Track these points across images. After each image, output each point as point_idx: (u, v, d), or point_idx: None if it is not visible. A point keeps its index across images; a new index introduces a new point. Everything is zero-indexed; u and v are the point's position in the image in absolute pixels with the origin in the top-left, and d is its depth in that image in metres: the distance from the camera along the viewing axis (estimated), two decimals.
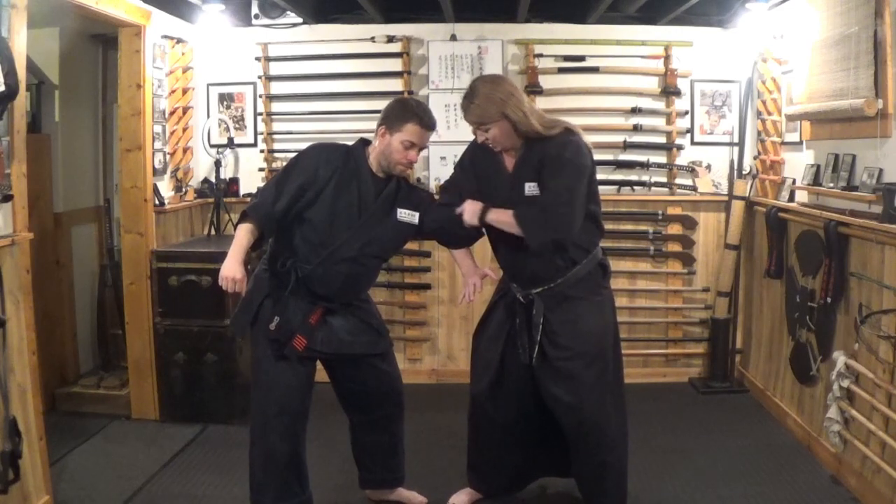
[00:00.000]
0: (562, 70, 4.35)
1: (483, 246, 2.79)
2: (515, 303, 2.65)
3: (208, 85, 4.45)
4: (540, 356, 2.59)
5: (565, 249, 2.55)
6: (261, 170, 4.46)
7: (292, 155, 4.48)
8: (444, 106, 4.35)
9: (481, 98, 2.46)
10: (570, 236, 2.50)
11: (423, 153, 4.40)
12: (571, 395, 2.56)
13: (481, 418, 2.78)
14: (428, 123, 2.54)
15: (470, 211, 2.55)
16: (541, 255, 2.53)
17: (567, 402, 2.57)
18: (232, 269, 2.41)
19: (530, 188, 2.52)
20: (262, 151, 4.46)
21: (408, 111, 2.52)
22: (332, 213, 2.51)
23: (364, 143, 2.65)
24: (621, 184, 4.36)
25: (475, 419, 2.82)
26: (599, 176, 4.29)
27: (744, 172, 4.24)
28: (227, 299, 3.70)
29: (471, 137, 4.27)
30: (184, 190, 4.19)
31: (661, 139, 4.37)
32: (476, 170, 2.67)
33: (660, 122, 4.37)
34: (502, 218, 2.50)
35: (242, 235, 2.49)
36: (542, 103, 4.33)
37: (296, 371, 2.57)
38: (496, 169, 2.60)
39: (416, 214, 2.63)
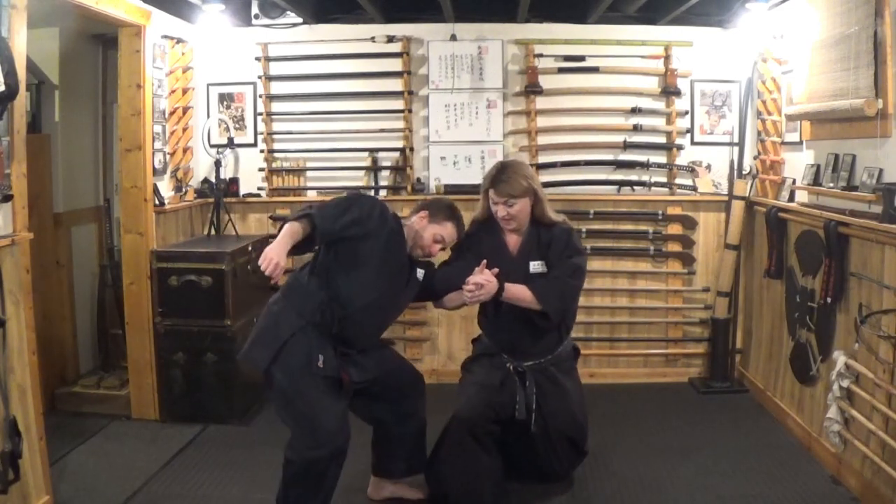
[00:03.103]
0: (562, 70, 4.34)
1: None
2: (506, 368, 2.84)
3: (208, 85, 4.45)
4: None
5: (560, 325, 2.87)
6: (261, 170, 4.46)
7: (292, 154, 4.54)
8: (444, 106, 4.36)
9: (512, 173, 2.77)
10: (574, 307, 2.90)
11: (423, 153, 4.47)
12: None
13: (470, 434, 2.74)
14: (460, 230, 2.84)
15: (487, 290, 2.64)
16: (538, 331, 2.80)
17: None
18: (279, 254, 2.38)
19: (535, 266, 2.82)
20: (262, 151, 4.46)
21: (453, 213, 2.82)
22: (381, 263, 2.65)
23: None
24: (621, 184, 4.36)
25: (462, 434, 2.76)
26: (599, 176, 4.35)
27: (744, 172, 4.23)
28: (228, 300, 3.71)
29: (470, 138, 4.34)
30: (184, 190, 4.18)
31: (661, 139, 4.37)
32: (480, 249, 2.83)
33: (660, 122, 4.37)
34: (519, 293, 2.71)
35: (298, 229, 2.48)
36: (542, 103, 4.35)
37: (341, 401, 2.64)
38: (497, 248, 2.84)
39: (423, 272, 2.86)
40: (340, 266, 2.62)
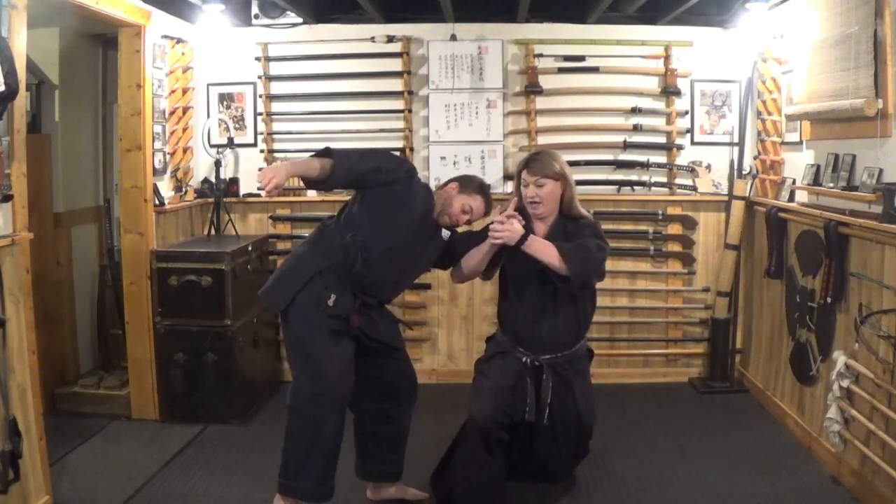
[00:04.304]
0: (562, 70, 4.35)
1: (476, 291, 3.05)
2: (521, 365, 2.82)
3: (208, 85, 4.45)
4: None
5: (579, 319, 2.85)
6: (261, 170, 4.44)
7: (292, 155, 4.54)
8: (444, 106, 4.36)
9: (546, 156, 2.83)
10: (595, 279, 2.83)
11: (423, 153, 4.48)
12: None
13: (482, 438, 2.71)
14: (489, 206, 2.87)
15: (514, 230, 2.63)
16: (559, 321, 2.79)
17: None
18: (279, 174, 2.38)
19: None
20: (262, 151, 4.46)
21: (483, 188, 2.86)
22: (406, 212, 2.67)
23: None
24: (621, 184, 4.36)
25: (475, 438, 2.74)
26: (599, 176, 4.35)
27: (744, 172, 4.23)
28: (228, 300, 3.71)
29: (470, 138, 4.34)
30: (184, 190, 4.18)
31: (661, 139, 4.37)
32: None
33: (660, 122, 4.37)
34: (543, 247, 2.67)
35: (315, 165, 2.51)
36: (542, 103, 4.35)
37: (347, 350, 2.64)
38: None
39: (449, 233, 2.87)
40: (365, 210, 2.65)
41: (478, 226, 2.94)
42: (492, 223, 2.67)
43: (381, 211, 2.65)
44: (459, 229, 2.90)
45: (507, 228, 2.61)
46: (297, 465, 2.60)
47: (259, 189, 2.41)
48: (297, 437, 2.61)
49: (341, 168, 2.54)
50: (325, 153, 2.58)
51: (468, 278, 2.96)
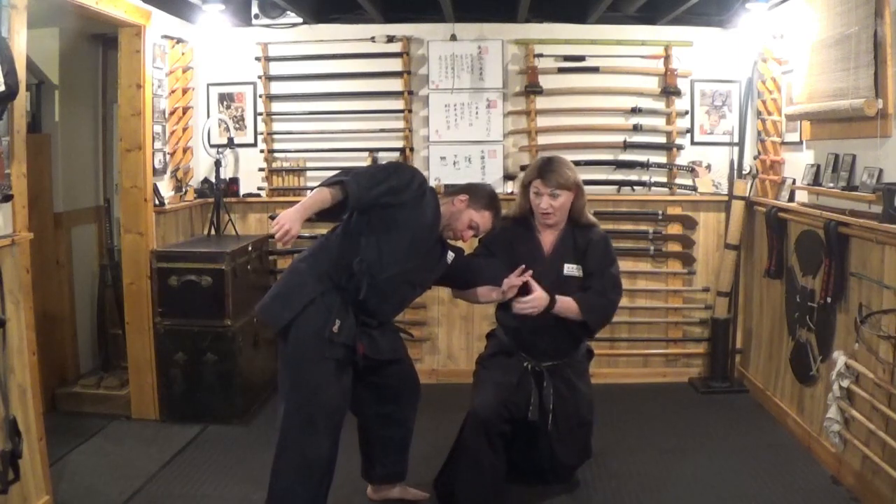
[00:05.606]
0: (562, 70, 4.35)
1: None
2: (524, 367, 2.85)
3: (208, 85, 4.45)
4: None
5: (581, 331, 2.87)
6: (261, 170, 4.46)
7: (292, 154, 4.53)
8: (444, 106, 4.35)
9: (559, 165, 2.79)
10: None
11: (423, 153, 4.47)
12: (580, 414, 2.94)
13: (482, 434, 2.72)
14: (497, 221, 2.79)
15: (539, 301, 2.70)
16: (561, 334, 2.83)
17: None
18: (292, 220, 2.25)
19: (570, 269, 2.83)
20: (262, 151, 4.45)
21: (493, 202, 2.75)
22: (414, 235, 2.57)
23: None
24: (621, 184, 4.36)
25: (474, 435, 2.74)
26: (599, 176, 4.35)
27: (744, 172, 4.23)
28: (228, 300, 3.71)
29: (470, 138, 4.33)
30: (184, 190, 4.18)
31: (661, 139, 4.37)
32: (513, 247, 2.85)
33: (660, 122, 4.37)
34: (570, 307, 2.75)
35: (327, 197, 2.37)
36: (542, 103, 4.35)
37: (345, 375, 2.56)
38: (531, 247, 2.85)
39: (453, 255, 2.84)
40: (373, 232, 2.52)
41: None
42: (516, 299, 2.72)
43: (389, 234, 2.53)
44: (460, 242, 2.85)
45: (533, 305, 2.69)
46: (285, 490, 2.47)
47: (272, 239, 2.31)
48: (284, 462, 2.48)
49: (355, 193, 2.38)
50: (334, 182, 2.42)
51: (469, 302, 3.04)
